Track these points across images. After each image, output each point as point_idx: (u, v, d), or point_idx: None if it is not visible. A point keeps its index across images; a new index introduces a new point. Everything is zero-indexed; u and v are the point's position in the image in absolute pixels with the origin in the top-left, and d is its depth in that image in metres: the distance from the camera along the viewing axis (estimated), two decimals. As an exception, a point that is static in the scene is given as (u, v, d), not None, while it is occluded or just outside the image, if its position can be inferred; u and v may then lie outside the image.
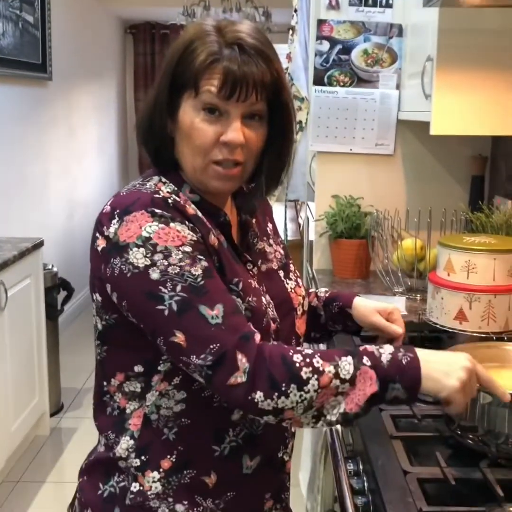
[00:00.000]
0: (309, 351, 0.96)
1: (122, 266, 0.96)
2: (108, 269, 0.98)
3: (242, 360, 0.91)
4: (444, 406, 1.03)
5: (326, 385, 0.93)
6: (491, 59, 1.85)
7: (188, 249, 0.96)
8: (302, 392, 0.92)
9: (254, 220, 1.18)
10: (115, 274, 0.96)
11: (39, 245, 3.17)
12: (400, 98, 2.35)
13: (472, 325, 1.62)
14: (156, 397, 1.03)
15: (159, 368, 1.02)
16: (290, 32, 3.04)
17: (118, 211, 0.99)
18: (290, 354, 0.94)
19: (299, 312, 1.17)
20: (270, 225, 1.24)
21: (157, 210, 0.97)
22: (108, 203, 1.02)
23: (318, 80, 2.36)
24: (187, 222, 0.99)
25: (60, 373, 3.60)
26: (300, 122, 2.83)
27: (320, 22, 2.35)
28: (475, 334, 1.59)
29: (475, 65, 1.85)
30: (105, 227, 0.99)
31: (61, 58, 4.58)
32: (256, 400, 0.91)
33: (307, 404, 0.92)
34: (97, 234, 1.00)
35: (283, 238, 3.31)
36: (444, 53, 1.85)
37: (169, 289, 0.93)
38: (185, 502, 1.04)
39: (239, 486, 1.06)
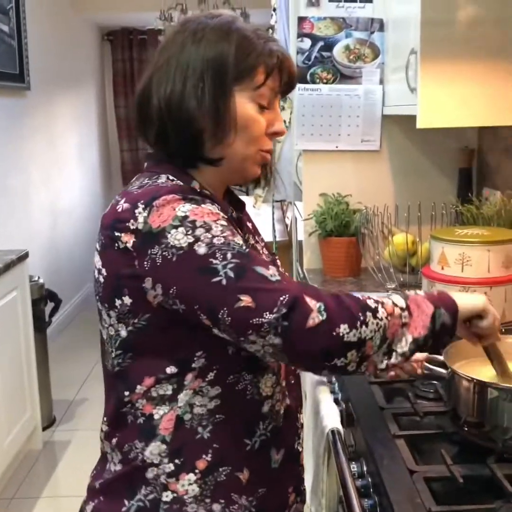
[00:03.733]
0: None
1: (164, 253, 0.92)
2: (146, 263, 0.94)
3: (312, 301, 0.90)
4: (479, 323, 1.09)
5: (392, 312, 0.95)
6: (474, 49, 1.84)
7: (224, 223, 0.96)
8: (377, 320, 0.93)
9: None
10: (158, 264, 0.93)
11: (24, 257, 3.12)
12: (384, 93, 2.33)
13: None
14: (189, 396, 1.00)
15: (193, 365, 0.99)
16: (270, 31, 3.02)
17: (142, 202, 0.96)
18: (349, 293, 0.98)
19: None
20: (249, 223, 1.23)
21: (187, 195, 0.97)
22: (121, 202, 0.99)
23: (301, 78, 2.33)
24: (216, 205, 1.01)
25: (50, 385, 3.55)
26: (284, 121, 2.80)
27: (300, 20, 2.33)
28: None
29: (459, 56, 1.84)
30: (129, 222, 0.95)
31: (38, 67, 4.53)
32: (341, 334, 0.90)
33: (382, 334, 0.93)
34: (117, 233, 0.96)
35: (272, 239, 3.30)
36: (427, 46, 1.84)
37: (221, 259, 0.91)
38: (222, 501, 1.02)
39: (269, 482, 1.06)
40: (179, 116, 1.01)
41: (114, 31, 6.82)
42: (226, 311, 0.90)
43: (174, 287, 0.93)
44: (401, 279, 2.09)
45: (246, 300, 0.89)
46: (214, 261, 0.91)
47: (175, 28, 1.07)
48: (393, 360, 0.95)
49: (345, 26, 2.32)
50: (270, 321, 0.88)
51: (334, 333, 0.89)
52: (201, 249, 0.91)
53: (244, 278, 0.90)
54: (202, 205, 0.97)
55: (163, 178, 1.02)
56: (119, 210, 0.98)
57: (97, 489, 1.07)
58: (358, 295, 0.96)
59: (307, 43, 2.33)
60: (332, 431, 1.20)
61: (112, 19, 6.33)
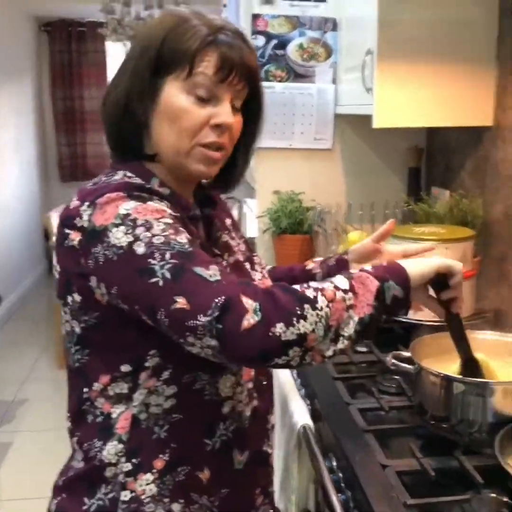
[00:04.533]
0: None
1: (105, 252, 0.91)
2: (90, 261, 0.93)
3: (248, 302, 0.87)
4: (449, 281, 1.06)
5: (333, 297, 0.92)
6: (428, 50, 1.87)
7: (169, 221, 0.93)
8: (317, 310, 0.89)
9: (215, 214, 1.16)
10: (100, 263, 0.92)
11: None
12: (336, 92, 2.35)
13: (428, 313, 1.63)
14: (144, 395, 0.99)
15: (146, 364, 0.98)
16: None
17: (88, 199, 0.95)
18: (287, 285, 0.94)
19: None
20: (228, 220, 1.21)
21: (133, 192, 0.95)
22: (74, 199, 0.97)
23: (255, 75, 2.33)
24: (165, 202, 0.97)
25: (-11, 386, 3.45)
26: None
27: (255, 17, 2.33)
28: (431, 324, 1.60)
29: (415, 57, 1.87)
30: (76, 219, 0.94)
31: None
32: (278, 334, 0.86)
33: (325, 323, 0.89)
34: (66, 230, 0.96)
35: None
36: (384, 46, 1.87)
37: (159, 259, 0.89)
38: (182, 500, 1.01)
39: (232, 483, 1.05)
40: (116, 112, 1.01)
41: (52, 22, 6.65)
42: (164, 313, 0.89)
43: (116, 287, 0.92)
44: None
45: (181, 301, 0.87)
46: (152, 262, 0.89)
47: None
48: (340, 345, 0.92)
49: (299, 25, 2.33)
50: (204, 324, 0.86)
51: (271, 334, 0.86)
52: (140, 249, 0.90)
53: (180, 278, 0.88)
54: (148, 203, 0.95)
55: (119, 175, 1.00)
56: (71, 207, 0.97)
57: (61, 486, 1.06)
58: (296, 286, 0.93)
59: (261, 40, 2.33)
60: (304, 427, 1.20)
61: (49, 9, 6.17)
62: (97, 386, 1.00)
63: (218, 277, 0.89)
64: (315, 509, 1.32)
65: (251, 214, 2.68)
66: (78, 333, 1.00)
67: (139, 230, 0.91)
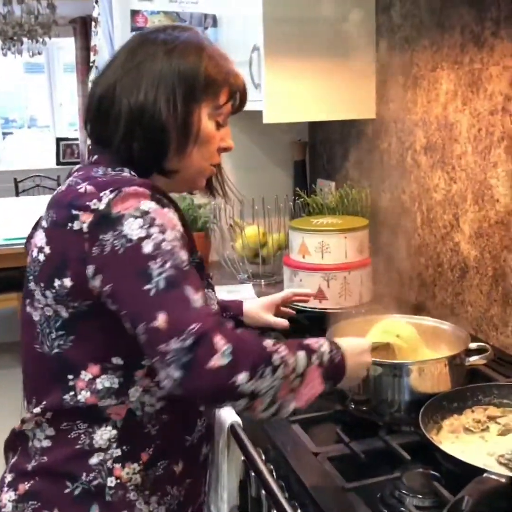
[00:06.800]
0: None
1: (114, 241, 0.91)
2: (95, 248, 0.92)
3: (221, 342, 0.87)
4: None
5: (288, 376, 0.94)
6: (313, 47, 1.93)
7: (178, 235, 0.96)
8: (275, 379, 0.92)
9: None
10: (105, 253, 0.91)
11: None
12: (220, 88, 2.36)
13: (331, 302, 1.69)
14: (140, 393, 1.01)
15: (143, 362, 0.99)
16: (93, 24, 2.91)
17: (111, 187, 0.95)
18: (261, 339, 0.95)
19: None
20: None
21: (156, 194, 0.97)
22: (85, 184, 0.97)
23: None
24: (177, 214, 1.00)
25: None
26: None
27: (134, 13, 2.28)
28: (334, 311, 1.66)
29: (300, 53, 1.92)
30: (93, 201, 0.94)
31: None
32: (237, 384, 0.88)
33: (273, 393, 0.92)
34: (75, 212, 0.95)
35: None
36: (270, 43, 1.90)
37: (159, 265, 0.90)
38: (159, 493, 1.05)
39: (196, 473, 1.11)
40: (150, 124, 1.02)
41: None
42: (143, 327, 0.89)
43: (111, 285, 0.92)
44: (250, 271, 2.14)
45: (161, 319, 0.87)
46: (152, 266, 0.90)
47: (141, 36, 1.09)
48: (276, 417, 0.97)
49: (179, 21, 2.32)
50: (175, 350, 0.86)
51: (231, 381, 0.88)
52: (148, 247, 0.91)
53: (171, 292, 0.89)
54: (165, 209, 0.97)
55: (127, 173, 1.02)
56: (82, 190, 0.97)
57: (34, 470, 1.03)
58: (270, 342, 0.94)
59: (141, 37, 2.29)
60: (232, 425, 1.21)
61: None
62: (85, 375, 0.99)
63: (201, 304, 0.91)
64: (242, 504, 1.33)
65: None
66: (65, 317, 0.98)
67: (154, 230, 0.92)
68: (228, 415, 1.22)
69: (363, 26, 1.95)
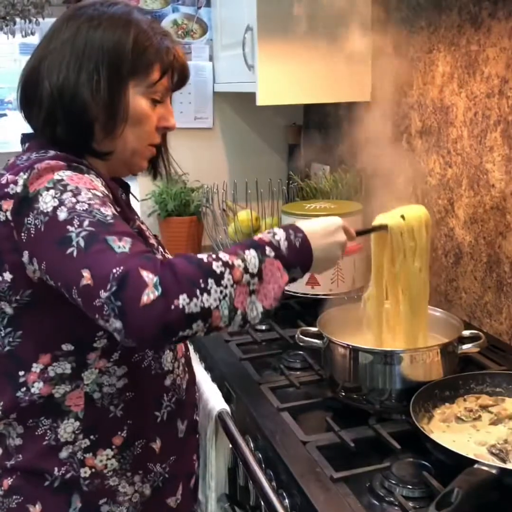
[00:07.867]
0: None
1: (35, 221, 0.89)
2: (23, 234, 0.91)
3: (148, 276, 0.82)
4: None
5: (239, 280, 0.89)
6: (308, 28, 1.89)
7: (99, 194, 0.92)
8: (221, 287, 0.86)
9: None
10: (32, 235, 0.89)
11: None
12: (214, 69, 2.32)
13: (323, 288, 1.67)
14: (96, 375, 0.99)
15: (94, 345, 0.98)
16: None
17: (25, 168, 0.93)
18: (193, 255, 0.90)
19: None
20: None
21: (72, 163, 0.95)
22: (7, 174, 0.95)
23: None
24: (101, 179, 0.97)
25: None
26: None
27: (126, -8, 2.24)
28: (327, 296, 1.63)
29: (293, 34, 1.88)
30: (10, 186, 0.92)
31: None
32: (182, 306, 0.82)
33: (229, 303, 0.87)
34: None
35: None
36: (263, 23, 1.86)
37: (76, 226, 0.86)
38: (141, 472, 1.04)
39: (177, 450, 1.09)
40: (71, 105, 0.98)
41: None
42: (76, 291, 0.86)
43: (44, 262, 0.90)
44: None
45: (86, 276, 0.83)
46: (70, 229, 0.86)
47: (69, 12, 1.03)
48: (246, 327, 0.92)
49: (171, 1, 2.28)
50: (105, 301, 0.82)
51: (173, 307, 0.82)
52: (62, 214, 0.88)
53: (91, 248, 0.85)
54: (86, 174, 0.94)
55: (52, 153, 0.98)
56: (3, 181, 0.94)
57: (9, 469, 1.02)
58: (204, 256, 0.89)
59: (133, 17, 2.25)
60: (220, 413, 1.19)
61: None
62: (36, 367, 0.98)
63: (125, 249, 0.85)
64: (231, 492, 1.32)
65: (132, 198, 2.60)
66: (10, 314, 0.97)
67: (66, 195, 0.89)
68: (216, 403, 1.21)
69: (359, 7, 1.91)
